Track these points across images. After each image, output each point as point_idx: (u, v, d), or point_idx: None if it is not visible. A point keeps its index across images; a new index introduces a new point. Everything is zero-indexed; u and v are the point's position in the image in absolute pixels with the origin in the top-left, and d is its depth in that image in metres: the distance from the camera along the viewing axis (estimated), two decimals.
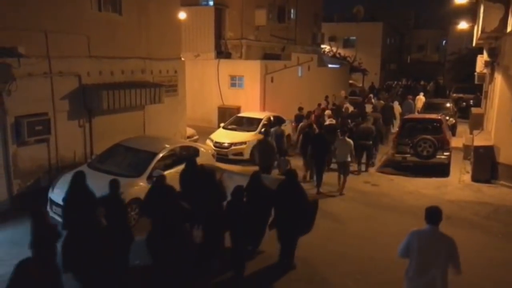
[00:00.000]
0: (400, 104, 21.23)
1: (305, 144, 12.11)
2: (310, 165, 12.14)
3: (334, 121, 15.07)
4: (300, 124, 14.20)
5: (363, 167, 13.57)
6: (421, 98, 23.67)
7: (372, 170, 13.83)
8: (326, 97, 19.99)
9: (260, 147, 11.50)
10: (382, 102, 21.25)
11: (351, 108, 18.96)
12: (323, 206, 10.44)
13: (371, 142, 13.57)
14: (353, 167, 12.86)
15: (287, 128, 15.64)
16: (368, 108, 19.45)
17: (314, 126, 13.43)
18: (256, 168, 10.41)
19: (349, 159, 11.48)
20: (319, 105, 18.11)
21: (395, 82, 40.32)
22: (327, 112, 16.81)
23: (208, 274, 6.96)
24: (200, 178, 7.98)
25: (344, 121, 15.32)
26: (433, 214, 5.46)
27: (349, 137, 11.84)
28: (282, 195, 7.28)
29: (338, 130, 13.10)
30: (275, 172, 11.32)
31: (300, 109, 16.51)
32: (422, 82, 40.11)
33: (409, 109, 20.57)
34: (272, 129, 12.94)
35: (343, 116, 16.71)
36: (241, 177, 8.20)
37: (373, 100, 22.80)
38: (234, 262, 6.98)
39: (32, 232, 5.80)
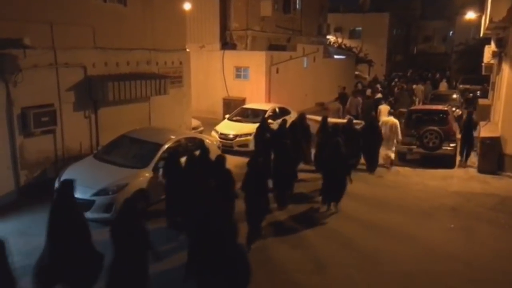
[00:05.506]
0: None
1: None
2: None
3: (381, 95, 21.33)
4: (355, 99, 19.09)
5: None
6: (444, 85, 28.42)
7: None
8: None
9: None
10: (404, 85, 28.26)
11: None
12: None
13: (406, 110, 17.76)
14: None
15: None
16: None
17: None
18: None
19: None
20: (356, 86, 26.56)
21: (410, 71, 43.85)
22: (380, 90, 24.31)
23: None
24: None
25: (386, 96, 22.40)
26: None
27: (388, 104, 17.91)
28: (366, 132, 12.77)
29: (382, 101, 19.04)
30: None
31: (344, 88, 22.66)
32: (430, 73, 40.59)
33: (429, 91, 24.77)
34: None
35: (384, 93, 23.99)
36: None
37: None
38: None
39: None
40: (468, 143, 13.52)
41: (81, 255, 5.64)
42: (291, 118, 15.51)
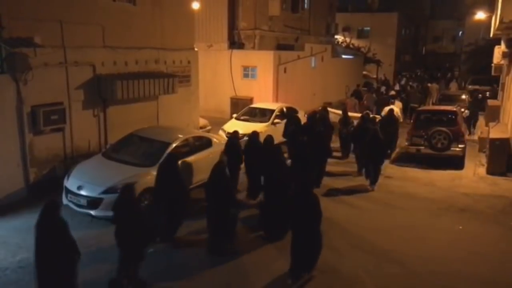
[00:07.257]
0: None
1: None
2: None
3: (395, 93, 23.45)
4: (371, 95, 21.97)
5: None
6: (454, 84, 30.14)
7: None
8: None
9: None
10: (419, 85, 29.75)
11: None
12: (335, 194, 10.50)
13: (417, 105, 20.16)
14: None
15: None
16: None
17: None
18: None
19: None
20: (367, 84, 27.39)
21: (422, 70, 45.65)
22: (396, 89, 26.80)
23: None
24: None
25: (398, 92, 24.68)
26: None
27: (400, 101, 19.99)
28: (383, 124, 13.69)
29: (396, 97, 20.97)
30: None
31: (358, 86, 25.29)
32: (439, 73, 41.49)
33: (442, 89, 27.33)
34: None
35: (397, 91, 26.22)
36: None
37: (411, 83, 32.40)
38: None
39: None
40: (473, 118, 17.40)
41: None
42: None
